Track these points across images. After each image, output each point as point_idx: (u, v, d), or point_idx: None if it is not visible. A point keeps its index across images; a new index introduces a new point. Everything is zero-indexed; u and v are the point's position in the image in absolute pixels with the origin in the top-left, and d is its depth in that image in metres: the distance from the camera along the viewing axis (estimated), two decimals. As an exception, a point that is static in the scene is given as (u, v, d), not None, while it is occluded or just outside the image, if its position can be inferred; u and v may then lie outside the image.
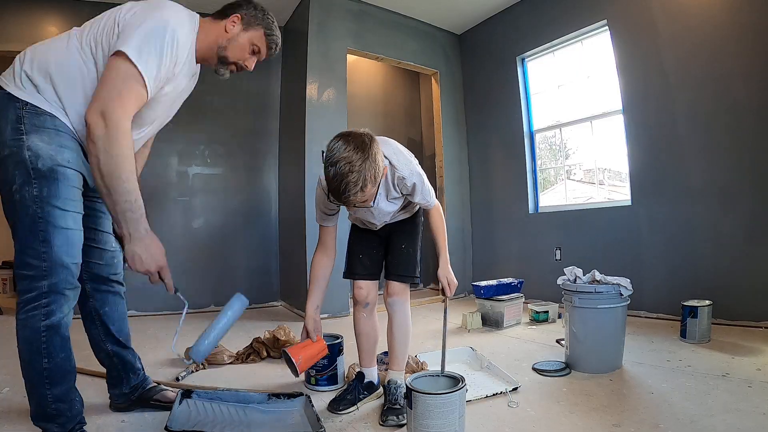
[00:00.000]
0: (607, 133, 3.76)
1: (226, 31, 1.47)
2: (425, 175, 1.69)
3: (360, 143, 1.39)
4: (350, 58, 4.16)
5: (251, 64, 1.55)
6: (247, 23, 1.49)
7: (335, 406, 1.69)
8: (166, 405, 1.64)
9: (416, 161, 1.69)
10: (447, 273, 1.72)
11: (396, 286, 1.76)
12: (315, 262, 1.79)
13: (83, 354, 2.51)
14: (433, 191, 1.73)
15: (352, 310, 1.88)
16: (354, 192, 1.38)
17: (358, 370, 1.87)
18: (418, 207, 1.85)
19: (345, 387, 1.87)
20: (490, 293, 3.16)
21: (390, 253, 1.82)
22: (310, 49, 3.84)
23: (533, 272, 3.99)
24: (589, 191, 4.08)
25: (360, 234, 1.88)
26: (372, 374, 1.82)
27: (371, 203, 1.56)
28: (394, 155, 1.60)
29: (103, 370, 1.72)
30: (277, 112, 4.60)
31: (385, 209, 1.68)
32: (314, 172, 3.76)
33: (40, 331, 1.31)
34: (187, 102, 4.38)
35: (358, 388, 1.77)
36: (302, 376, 2.06)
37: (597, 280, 2.14)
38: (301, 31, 4.06)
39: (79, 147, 1.34)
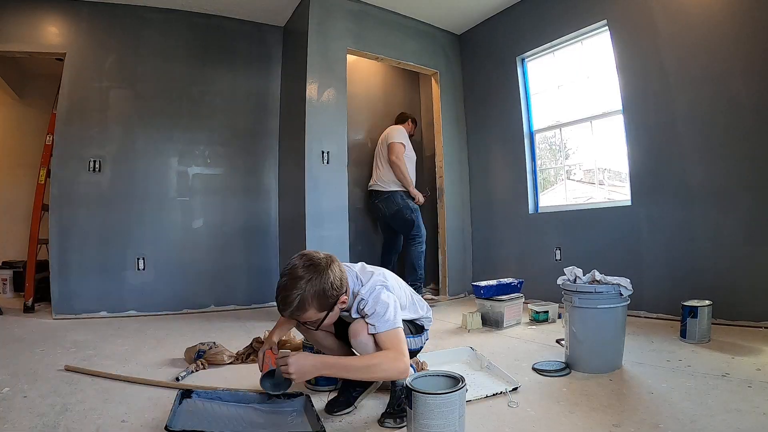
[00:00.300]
0: (607, 133, 3.76)
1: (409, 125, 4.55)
2: (395, 305, 1.56)
3: (314, 264, 1.48)
4: (350, 58, 4.16)
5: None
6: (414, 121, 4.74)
7: (330, 408, 1.69)
8: None
9: (391, 293, 1.60)
10: (300, 360, 1.42)
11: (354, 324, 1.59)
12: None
13: (84, 354, 2.52)
14: (395, 323, 1.51)
15: None
16: (289, 309, 1.45)
17: None
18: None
19: (338, 387, 1.86)
20: (490, 293, 3.16)
21: None
22: (310, 49, 3.84)
23: (533, 272, 3.99)
24: (589, 191, 4.08)
25: None
26: None
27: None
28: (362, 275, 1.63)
29: (96, 369, 2.10)
30: (277, 112, 4.60)
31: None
32: (314, 172, 3.76)
33: (422, 252, 4.26)
34: (188, 102, 4.42)
35: (348, 389, 1.76)
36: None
37: (597, 280, 2.14)
38: (300, 31, 4.07)
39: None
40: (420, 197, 4.33)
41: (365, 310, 1.55)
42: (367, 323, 1.53)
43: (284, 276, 1.48)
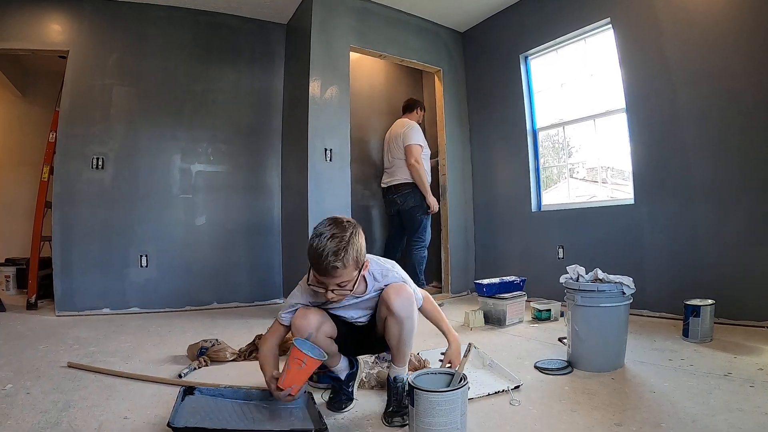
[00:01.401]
0: (610, 132, 3.75)
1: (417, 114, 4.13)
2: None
3: (346, 225, 1.54)
4: (353, 55, 4.15)
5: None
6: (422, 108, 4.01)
7: (336, 407, 1.69)
8: None
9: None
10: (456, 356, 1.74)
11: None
12: (267, 347, 1.68)
13: (87, 350, 2.53)
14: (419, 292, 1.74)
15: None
16: (334, 261, 1.43)
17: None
18: None
19: (330, 387, 1.85)
20: (493, 291, 3.16)
21: None
22: (312, 47, 3.84)
23: (536, 270, 3.98)
24: (592, 189, 4.07)
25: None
26: (338, 368, 1.79)
27: (348, 292, 1.54)
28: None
29: (99, 366, 2.15)
30: (280, 110, 4.60)
31: (353, 314, 1.73)
32: (317, 170, 3.76)
33: (425, 257, 4.19)
34: (191, 100, 4.42)
35: (341, 386, 1.77)
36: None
37: (599, 279, 2.14)
38: (303, 28, 4.06)
39: None
40: (435, 205, 4.16)
41: (394, 280, 1.66)
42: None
43: (325, 232, 1.48)
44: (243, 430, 1.51)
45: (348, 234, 1.48)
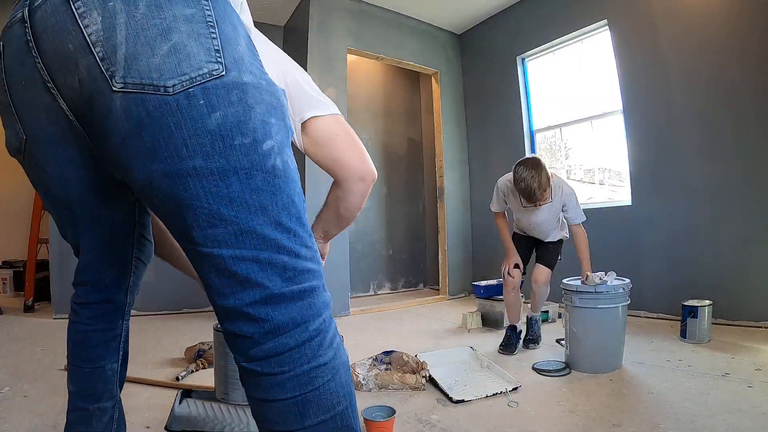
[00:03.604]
0: (607, 133, 3.76)
1: None
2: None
3: (534, 162, 2.24)
4: (350, 57, 4.16)
5: None
6: None
7: (508, 350, 2.43)
8: None
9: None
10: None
11: (543, 270, 2.54)
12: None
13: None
14: (582, 214, 2.46)
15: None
16: (541, 195, 2.24)
17: (509, 324, 2.58)
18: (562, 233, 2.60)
19: (507, 334, 2.54)
20: (490, 293, 3.16)
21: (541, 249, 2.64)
22: (310, 49, 3.84)
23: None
24: (590, 191, 4.08)
25: (520, 239, 2.65)
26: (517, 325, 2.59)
27: (548, 200, 2.34)
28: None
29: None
30: (277, 112, 4.59)
31: (545, 217, 2.43)
32: (315, 171, 3.75)
33: None
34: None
35: (514, 336, 2.51)
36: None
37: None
38: (301, 30, 4.06)
39: None
40: None
41: (569, 199, 2.44)
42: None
43: (525, 179, 2.20)
44: (241, 433, 1.50)
45: (541, 169, 2.20)
